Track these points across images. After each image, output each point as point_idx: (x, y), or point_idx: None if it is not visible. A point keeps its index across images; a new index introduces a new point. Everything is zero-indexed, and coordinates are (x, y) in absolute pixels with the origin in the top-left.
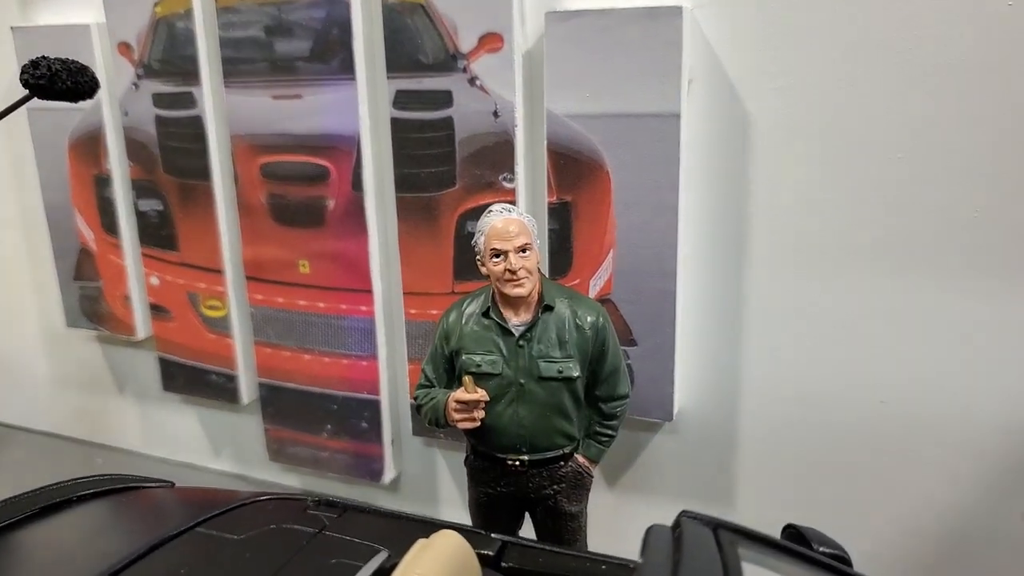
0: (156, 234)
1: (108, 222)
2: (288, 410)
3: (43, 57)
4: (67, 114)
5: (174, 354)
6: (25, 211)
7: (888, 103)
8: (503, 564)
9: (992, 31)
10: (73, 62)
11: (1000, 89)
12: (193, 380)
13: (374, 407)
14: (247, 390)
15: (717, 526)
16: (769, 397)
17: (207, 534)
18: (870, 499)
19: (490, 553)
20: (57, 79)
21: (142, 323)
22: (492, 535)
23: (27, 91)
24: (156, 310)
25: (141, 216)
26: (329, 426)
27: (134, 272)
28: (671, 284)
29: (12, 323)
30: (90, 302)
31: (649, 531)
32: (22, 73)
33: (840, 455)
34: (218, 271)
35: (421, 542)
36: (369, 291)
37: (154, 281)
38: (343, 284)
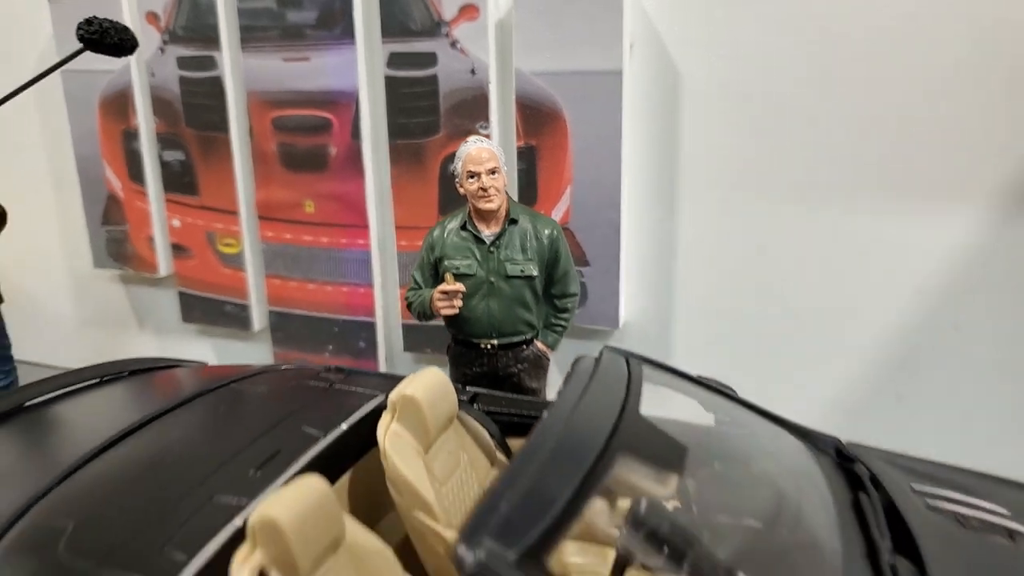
0: (179, 181)
1: (135, 172)
2: (295, 334)
3: (94, 16)
4: (98, 75)
5: (193, 288)
6: (56, 165)
7: (800, 72)
8: (475, 406)
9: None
10: (118, 23)
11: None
12: (210, 311)
13: (370, 329)
14: (258, 318)
15: (629, 356)
16: (700, 311)
17: (239, 389)
18: (788, 381)
19: (464, 399)
20: (107, 35)
21: (164, 261)
22: (467, 388)
23: (81, 45)
24: (177, 249)
25: (165, 166)
26: (331, 347)
27: (158, 216)
28: (616, 215)
29: (41, 268)
30: (116, 244)
31: (576, 360)
32: (78, 29)
33: (760, 357)
34: (233, 212)
35: (410, 375)
36: (366, 226)
37: (176, 223)
38: (343, 221)
